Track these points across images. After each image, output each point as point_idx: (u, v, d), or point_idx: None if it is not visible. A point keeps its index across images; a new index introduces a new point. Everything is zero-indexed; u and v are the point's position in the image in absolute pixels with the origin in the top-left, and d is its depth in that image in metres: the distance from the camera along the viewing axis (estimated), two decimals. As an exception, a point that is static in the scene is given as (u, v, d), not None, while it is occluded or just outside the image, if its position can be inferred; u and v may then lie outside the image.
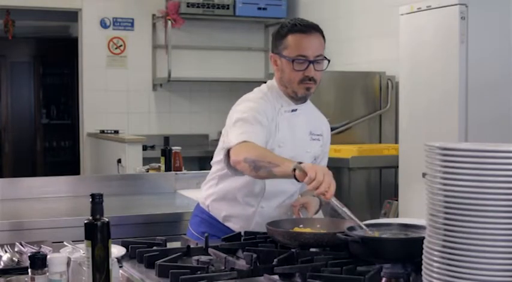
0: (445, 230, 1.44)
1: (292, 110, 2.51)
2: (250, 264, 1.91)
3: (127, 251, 2.14)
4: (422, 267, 1.52)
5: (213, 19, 6.50)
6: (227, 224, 2.54)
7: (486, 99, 3.77)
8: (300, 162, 2.13)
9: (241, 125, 2.35)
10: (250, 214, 2.52)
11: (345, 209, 2.11)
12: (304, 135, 2.54)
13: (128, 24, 6.58)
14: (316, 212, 2.53)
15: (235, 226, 2.52)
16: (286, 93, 2.49)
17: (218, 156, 2.51)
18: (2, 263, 2.03)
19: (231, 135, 2.33)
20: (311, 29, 2.43)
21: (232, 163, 2.28)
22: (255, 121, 2.36)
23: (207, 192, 2.61)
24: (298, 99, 2.50)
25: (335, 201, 2.09)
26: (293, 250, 2.04)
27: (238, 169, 2.28)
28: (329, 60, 2.48)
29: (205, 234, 2.20)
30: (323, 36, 2.47)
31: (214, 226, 2.54)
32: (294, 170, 2.09)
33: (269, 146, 2.41)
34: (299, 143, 2.51)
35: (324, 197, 2.05)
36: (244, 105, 2.44)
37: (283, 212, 2.52)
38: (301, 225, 2.29)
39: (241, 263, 1.93)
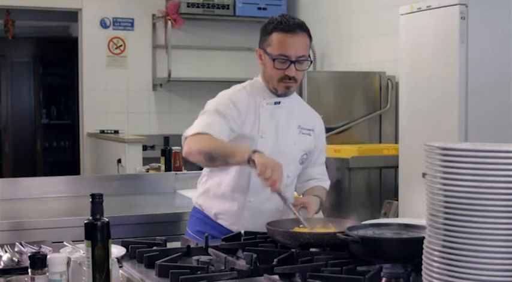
0: (445, 230, 1.44)
1: (275, 103, 2.54)
2: (250, 264, 1.91)
3: (127, 251, 2.14)
4: (423, 267, 1.52)
5: (213, 19, 6.50)
6: (219, 221, 2.55)
7: (486, 99, 3.77)
8: (257, 152, 2.23)
9: (209, 115, 2.44)
10: (239, 209, 2.51)
11: (288, 203, 2.26)
12: (290, 128, 2.56)
13: (128, 24, 6.57)
14: (317, 212, 2.54)
15: (226, 222, 2.53)
16: (268, 88, 2.54)
17: None
18: (2, 263, 2.03)
19: (193, 125, 2.42)
20: (296, 28, 2.44)
21: (184, 154, 2.38)
22: (217, 113, 2.42)
23: (199, 191, 2.65)
24: (279, 95, 2.54)
25: (280, 195, 2.24)
26: (293, 250, 2.04)
27: (190, 160, 2.38)
28: (311, 61, 2.51)
29: (205, 234, 2.20)
30: (309, 36, 2.49)
31: (207, 224, 2.55)
32: (250, 159, 2.21)
33: (252, 137, 2.47)
34: (284, 135, 2.54)
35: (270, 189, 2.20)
36: (215, 99, 2.52)
37: (273, 206, 2.50)
38: (301, 225, 2.29)
39: (241, 263, 1.93)
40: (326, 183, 2.73)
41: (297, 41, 2.43)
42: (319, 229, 2.25)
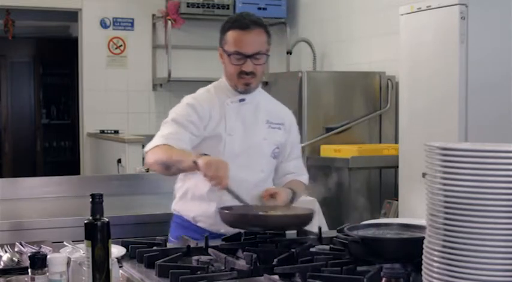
0: (445, 230, 1.44)
1: (240, 100, 2.57)
2: (250, 264, 1.91)
3: (127, 251, 2.14)
4: (423, 267, 1.52)
5: (213, 19, 6.49)
6: (199, 224, 2.56)
7: (486, 99, 3.77)
8: (204, 155, 2.28)
9: (168, 126, 2.52)
10: (214, 210, 2.50)
11: (241, 199, 2.32)
12: (258, 123, 2.59)
13: (128, 24, 6.57)
14: (290, 204, 2.55)
15: (205, 224, 2.53)
16: (230, 86, 2.58)
17: None
18: (2, 263, 2.03)
19: (154, 138, 2.50)
20: (251, 25, 2.49)
21: (146, 166, 2.44)
22: (175, 123, 2.50)
23: (177, 197, 2.67)
24: (242, 92, 2.57)
25: (229, 192, 2.29)
26: (293, 250, 2.04)
27: (154, 171, 2.48)
28: (268, 55, 2.56)
29: (205, 235, 2.20)
30: (267, 32, 2.54)
31: (187, 228, 2.55)
32: (195, 163, 2.26)
33: (220, 136, 2.51)
34: (252, 131, 2.57)
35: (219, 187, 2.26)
36: (176, 107, 2.58)
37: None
38: (266, 211, 2.33)
39: (241, 263, 1.93)
40: (303, 178, 2.75)
41: (251, 37, 2.49)
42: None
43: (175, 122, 2.51)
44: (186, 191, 2.59)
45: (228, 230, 2.37)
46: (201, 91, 2.64)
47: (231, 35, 2.51)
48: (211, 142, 2.51)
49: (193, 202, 2.56)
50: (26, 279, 1.74)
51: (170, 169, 2.42)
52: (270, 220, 2.21)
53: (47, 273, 1.64)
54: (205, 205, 2.53)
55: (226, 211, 2.27)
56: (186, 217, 2.59)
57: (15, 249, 2.16)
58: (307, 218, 2.27)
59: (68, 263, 1.73)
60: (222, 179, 2.24)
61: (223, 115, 2.54)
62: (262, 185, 2.56)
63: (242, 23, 2.49)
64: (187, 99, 2.60)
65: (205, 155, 2.30)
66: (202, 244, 2.17)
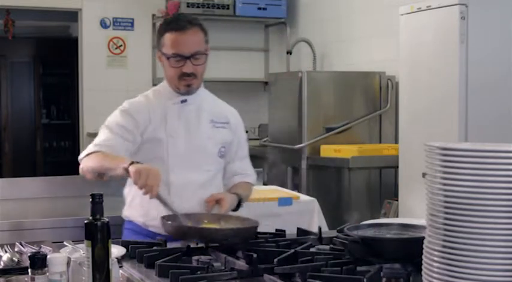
0: (445, 230, 1.44)
1: (182, 101, 2.57)
2: (250, 264, 1.91)
3: (127, 251, 2.15)
4: (423, 267, 1.52)
5: (213, 19, 6.49)
6: (150, 228, 2.54)
7: (486, 99, 3.76)
8: (134, 162, 2.26)
9: (101, 133, 2.53)
10: (166, 212, 2.47)
11: (170, 207, 2.29)
12: (202, 124, 2.59)
13: (128, 24, 6.57)
14: (236, 210, 2.55)
15: (156, 228, 2.50)
16: (171, 88, 2.57)
17: None
18: (2, 263, 2.03)
19: (87, 147, 2.52)
20: (187, 24, 2.48)
21: (81, 173, 2.48)
22: (109, 130, 2.51)
23: (126, 202, 2.65)
24: (183, 93, 2.56)
25: (160, 199, 2.27)
26: (293, 250, 2.04)
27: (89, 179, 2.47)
28: (207, 54, 2.54)
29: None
30: (203, 30, 2.53)
31: (139, 233, 2.53)
32: (127, 170, 2.25)
33: (160, 138, 2.51)
34: (196, 131, 2.57)
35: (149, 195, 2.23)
36: (113, 113, 2.59)
37: (195, 205, 2.49)
38: (205, 221, 2.31)
39: (241, 263, 1.93)
40: (251, 178, 2.76)
41: (188, 37, 2.47)
42: (207, 224, 2.28)
43: (109, 129, 2.52)
44: (134, 196, 2.56)
45: None
46: (139, 97, 2.64)
47: (168, 37, 2.49)
48: (151, 145, 2.51)
49: (142, 207, 2.54)
50: (26, 279, 1.74)
51: (103, 177, 2.42)
52: (207, 233, 2.15)
53: (47, 273, 1.64)
54: (154, 208, 2.50)
55: (168, 222, 2.22)
56: (136, 222, 2.57)
57: (15, 249, 2.16)
58: (249, 231, 2.23)
59: (68, 263, 1.73)
60: (153, 187, 2.21)
61: (164, 117, 2.54)
62: (210, 185, 2.56)
63: (178, 24, 2.48)
64: (123, 105, 2.60)
65: (137, 162, 2.28)
66: (202, 244, 2.17)
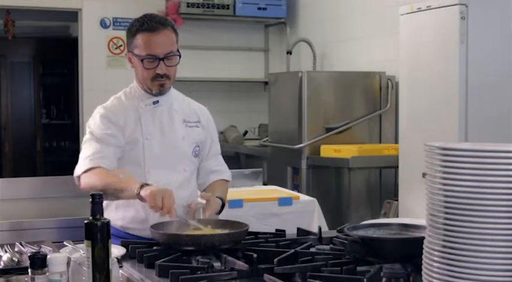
0: (445, 230, 1.44)
1: (154, 103, 2.56)
2: (250, 264, 1.91)
3: (127, 251, 2.14)
4: (423, 267, 1.52)
5: (213, 19, 6.50)
6: (128, 231, 2.53)
7: (486, 99, 3.76)
8: (146, 185, 2.24)
9: (89, 145, 2.47)
10: (145, 215, 2.49)
11: (189, 222, 2.28)
12: (175, 124, 2.58)
13: (127, 24, 6.54)
14: (219, 213, 2.54)
15: (135, 231, 2.51)
16: (143, 89, 2.56)
17: None
18: (2, 263, 2.03)
19: (80, 161, 2.46)
20: (159, 26, 2.47)
21: (83, 191, 2.40)
22: (97, 140, 2.47)
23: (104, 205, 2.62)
24: (155, 94, 2.55)
25: (179, 217, 2.26)
26: (293, 250, 2.04)
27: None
28: (180, 55, 2.52)
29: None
30: (174, 31, 2.52)
31: (117, 237, 2.48)
32: (138, 194, 2.22)
33: (137, 140, 2.49)
34: (170, 132, 2.56)
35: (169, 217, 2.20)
36: (91, 122, 2.54)
37: (178, 209, 2.42)
38: (192, 227, 2.29)
39: (241, 263, 1.93)
40: (226, 175, 2.75)
41: (161, 38, 2.46)
42: (198, 231, 2.26)
43: (96, 139, 2.48)
44: (110, 201, 2.52)
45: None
46: (112, 99, 2.62)
47: (140, 38, 2.47)
48: (129, 147, 2.50)
49: (118, 210, 2.52)
50: (26, 279, 1.74)
51: (107, 197, 2.36)
52: (204, 240, 2.12)
53: (47, 273, 1.64)
54: (134, 211, 2.51)
55: (160, 231, 2.20)
56: (114, 226, 2.51)
57: (15, 249, 2.16)
58: (242, 235, 2.21)
59: (68, 263, 1.73)
60: (170, 208, 2.19)
61: (138, 120, 2.53)
62: (187, 185, 2.56)
63: (150, 25, 2.47)
64: (99, 111, 2.56)
65: (146, 184, 2.26)
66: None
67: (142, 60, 2.46)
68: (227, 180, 2.75)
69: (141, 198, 2.24)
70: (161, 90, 2.53)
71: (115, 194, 2.35)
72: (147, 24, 2.48)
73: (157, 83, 2.50)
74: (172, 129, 2.57)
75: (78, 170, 2.45)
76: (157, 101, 2.56)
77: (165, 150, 2.53)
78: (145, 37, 2.46)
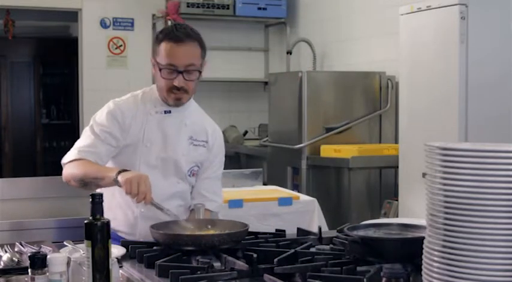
0: (445, 230, 1.44)
1: (165, 112, 2.52)
2: (250, 264, 1.91)
3: (127, 251, 2.14)
4: (423, 267, 1.52)
5: (213, 19, 6.50)
6: (118, 233, 2.51)
7: (486, 99, 3.76)
8: (124, 170, 2.24)
9: (86, 136, 2.49)
10: (134, 219, 2.49)
11: (166, 211, 2.27)
12: (180, 138, 2.53)
13: (127, 24, 6.57)
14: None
15: (123, 234, 2.50)
16: (160, 97, 2.51)
17: None
18: (2, 263, 2.03)
19: (72, 149, 2.48)
20: (185, 37, 2.40)
21: (64, 180, 2.43)
22: (94, 135, 2.46)
23: None
24: (170, 105, 2.51)
25: (154, 204, 2.25)
26: (293, 250, 2.04)
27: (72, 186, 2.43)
28: (200, 72, 2.45)
29: None
30: (201, 45, 2.45)
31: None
32: (116, 180, 2.23)
33: (137, 145, 2.48)
34: (172, 145, 2.51)
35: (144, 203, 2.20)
36: (98, 114, 2.53)
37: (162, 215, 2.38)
38: (192, 227, 2.29)
39: (241, 263, 1.93)
40: (210, 205, 2.59)
41: (184, 50, 2.40)
42: (197, 231, 2.26)
43: (95, 134, 2.47)
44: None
45: (148, 239, 2.28)
46: (128, 96, 2.58)
47: (164, 46, 2.41)
48: (128, 150, 2.48)
49: (110, 210, 2.44)
50: (26, 279, 1.74)
51: (88, 186, 2.37)
52: (204, 240, 2.12)
53: (47, 273, 1.64)
54: (123, 213, 2.51)
55: (160, 231, 2.18)
56: None
57: (15, 249, 2.16)
58: (242, 234, 2.20)
59: (68, 263, 1.73)
60: (146, 194, 2.18)
61: (144, 125, 2.50)
62: (179, 196, 2.54)
63: (175, 35, 2.40)
64: (109, 105, 2.53)
65: (124, 170, 2.25)
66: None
67: (161, 70, 2.41)
68: (210, 211, 2.59)
69: (119, 184, 2.23)
70: (177, 103, 2.48)
71: (95, 182, 2.35)
72: (173, 33, 2.41)
73: (173, 96, 2.44)
74: (175, 142, 2.52)
75: (66, 158, 2.47)
76: (170, 111, 2.51)
77: (161, 162, 2.49)
78: (168, 46, 2.40)
